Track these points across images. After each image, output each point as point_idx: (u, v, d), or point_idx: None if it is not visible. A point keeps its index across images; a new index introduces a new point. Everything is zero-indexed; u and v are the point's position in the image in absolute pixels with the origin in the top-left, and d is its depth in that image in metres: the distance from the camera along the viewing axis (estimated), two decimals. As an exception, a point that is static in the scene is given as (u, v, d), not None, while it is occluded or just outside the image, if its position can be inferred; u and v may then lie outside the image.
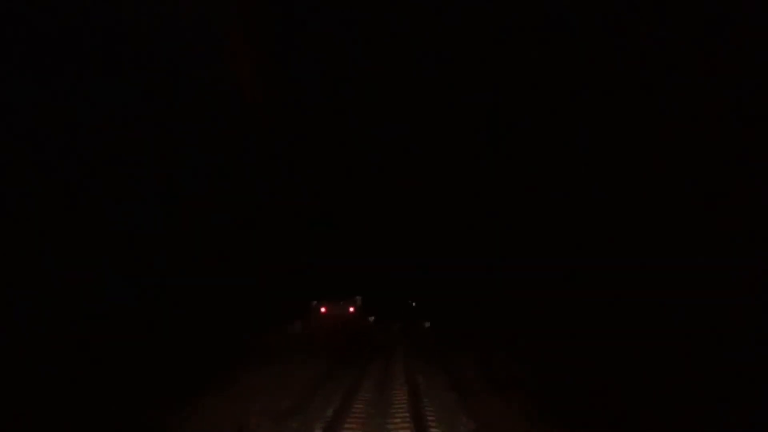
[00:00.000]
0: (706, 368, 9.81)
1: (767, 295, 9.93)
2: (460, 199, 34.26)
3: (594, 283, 16.16)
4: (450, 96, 29.48)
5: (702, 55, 12.47)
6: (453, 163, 33.22)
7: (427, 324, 25.36)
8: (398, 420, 7.90)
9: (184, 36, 17.12)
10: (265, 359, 13.13)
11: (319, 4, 26.24)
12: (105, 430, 6.55)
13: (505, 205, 26.80)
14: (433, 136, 32.74)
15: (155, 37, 15.89)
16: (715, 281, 11.12)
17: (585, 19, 17.25)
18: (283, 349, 15.72)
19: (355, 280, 31.69)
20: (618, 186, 15.97)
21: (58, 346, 9.84)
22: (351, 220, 39.39)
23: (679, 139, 13.30)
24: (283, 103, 28.01)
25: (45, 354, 9.34)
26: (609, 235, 15.97)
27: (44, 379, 8.20)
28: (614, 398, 9.28)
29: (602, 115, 16.69)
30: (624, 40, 15.40)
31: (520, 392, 10.01)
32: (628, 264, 14.46)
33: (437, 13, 25.51)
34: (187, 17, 17.09)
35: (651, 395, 9.36)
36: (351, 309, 20.16)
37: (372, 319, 25.09)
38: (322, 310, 20.07)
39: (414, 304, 28.55)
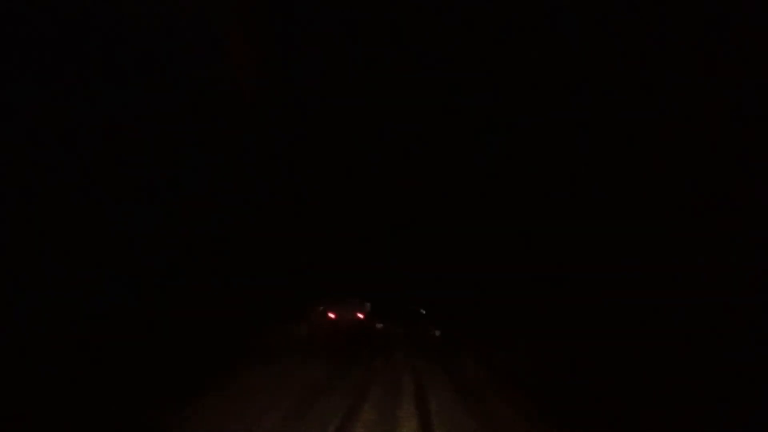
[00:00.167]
0: (706, 368, 9.82)
1: (767, 295, 9.94)
2: (459, 199, 34.32)
3: (594, 283, 16.18)
4: (450, 96, 29.52)
5: (702, 55, 12.48)
6: (453, 164, 33.29)
7: (438, 332, 24.42)
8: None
9: (183, 35, 17.13)
10: (266, 359, 13.12)
11: (319, 4, 26.26)
12: (105, 430, 6.55)
13: (505, 206, 26.83)
14: (433, 136, 32.80)
15: (154, 36, 15.89)
16: (715, 281, 11.13)
17: (585, 19, 17.28)
18: (284, 349, 15.72)
19: (357, 281, 31.61)
20: (618, 186, 15.98)
21: (58, 346, 9.83)
22: (351, 220, 39.43)
23: (679, 139, 13.31)
24: (283, 103, 28.03)
25: (45, 354, 9.34)
26: (609, 234, 15.98)
27: (44, 379, 8.19)
28: (614, 398, 9.30)
29: (602, 115, 16.71)
30: (624, 40, 15.42)
31: (520, 392, 10.02)
32: (628, 264, 14.48)
33: (437, 13, 25.55)
34: (186, 17, 17.10)
35: (651, 395, 9.38)
36: (360, 315, 19.49)
37: (380, 326, 24.43)
38: (331, 315, 19.14)
39: (423, 311, 27.36)
